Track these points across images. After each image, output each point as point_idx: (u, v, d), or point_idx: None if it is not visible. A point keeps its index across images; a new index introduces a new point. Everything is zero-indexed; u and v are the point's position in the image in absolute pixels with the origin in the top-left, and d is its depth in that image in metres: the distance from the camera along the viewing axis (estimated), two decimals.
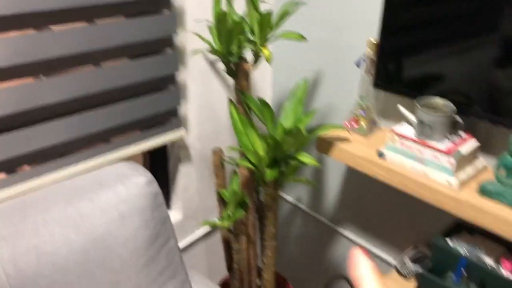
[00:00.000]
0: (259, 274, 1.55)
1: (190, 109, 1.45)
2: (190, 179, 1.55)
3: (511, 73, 1.02)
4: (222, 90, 1.51)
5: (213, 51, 1.14)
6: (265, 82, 1.65)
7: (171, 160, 1.53)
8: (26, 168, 1.16)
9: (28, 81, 1.09)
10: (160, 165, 1.53)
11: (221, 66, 1.46)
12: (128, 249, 1.06)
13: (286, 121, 1.24)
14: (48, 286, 0.97)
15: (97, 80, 1.17)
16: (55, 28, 1.09)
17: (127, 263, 1.06)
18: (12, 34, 1.04)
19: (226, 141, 1.61)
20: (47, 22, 1.07)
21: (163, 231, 1.14)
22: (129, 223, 1.07)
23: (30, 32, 1.06)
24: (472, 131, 1.14)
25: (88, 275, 1.02)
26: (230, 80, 1.52)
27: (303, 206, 1.75)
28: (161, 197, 1.15)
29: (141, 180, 1.12)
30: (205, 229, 1.68)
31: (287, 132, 1.11)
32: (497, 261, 1.09)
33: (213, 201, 1.67)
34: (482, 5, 1.02)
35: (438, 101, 1.10)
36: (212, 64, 1.44)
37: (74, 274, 1.00)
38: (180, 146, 1.49)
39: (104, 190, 1.08)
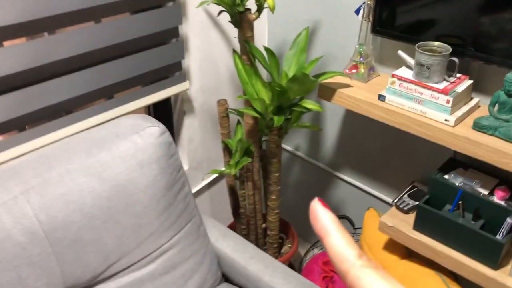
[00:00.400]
0: (264, 218, 1.64)
1: (192, 62, 1.48)
2: (194, 131, 1.61)
3: (494, 18, 1.08)
4: (222, 43, 1.55)
5: (220, 2, 1.17)
6: (261, 32, 1.68)
7: (175, 113, 1.58)
8: (34, 126, 1.20)
9: (32, 39, 1.11)
10: (164, 118, 1.57)
11: (220, 18, 1.48)
12: (148, 195, 1.12)
13: (290, 69, 1.29)
14: (78, 231, 1.03)
15: (100, 35, 1.19)
16: None
17: (148, 208, 1.13)
18: None
19: (227, 93, 1.66)
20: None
21: (178, 178, 1.20)
22: (147, 171, 1.12)
23: None
24: (466, 71, 1.21)
25: (113, 220, 1.08)
26: (230, 33, 1.55)
27: (301, 154, 1.83)
28: (174, 146, 1.21)
29: (155, 130, 1.17)
30: (209, 178, 1.76)
31: (293, 79, 1.16)
32: (491, 192, 1.19)
33: (216, 152, 1.73)
34: None
35: (435, 44, 1.16)
36: (211, 16, 1.47)
37: (100, 220, 1.06)
38: (184, 99, 1.53)
39: (122, 141, 1.12)
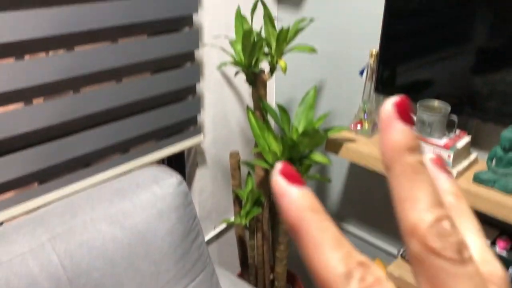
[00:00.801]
0: (272, 268, 1.67)
1: (206, 116, 1.57)
2: (205, 182, 1.67)
3: (486, 79, 1.18)
4: (234, 98, 1.65)
5: (236, 63, 1.27)
6: (270, 88, 1.79)
7: (188, 164, 1.65)
8: (55, 178, 1.26)
9: (56, 97, 1.20)
10: (177, 168, 1.64)
11: (232, 76, 1.59)
12: (166, 243, 1.17)
13: (299, 124, 1.38)
14: (100, 278, 1.07)
15: (121, 93, 1.28)
16: (81, 48, 1.21)
17: (166, 255, 1.17)
18: (41, 55, 1.15)
19: (238, 145, 1.74)
20: (74, 44, 1.18)
21: (193, 227, 1.26)
22: (166, 219, 1.18)
23: (60, 52, 1.17)
24: (465, 128, 1.30)
25: (133, 267, 1.13)
26: (241, 89, 1.65)
27: None
28: (190, 196, 1.27)
29: (173, 181, 1.23)
30: (218, 228, 1.80)
31: (304, 134, 1.24)
32: (493, 243, 1.24)
33: (226, 202, 1.79)
34: (459, 20, 1.19)
35: (435, 102, 1.26)
36: (225, 75, 1.57)
37: (121, 267, 1.11)
38: (197, 151, 1.61)
39: (142, 191, 1.19)
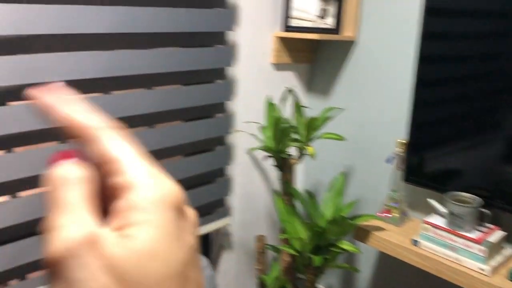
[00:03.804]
0: None
1: (234, 198, 1.59)
2: (229, 264, 1.66)
3: None
4: (262, 182, 1.67)
5: (266, 148, 1.31)
6: (297, 173, 1.81)
7: (214, 245, 1.65)
8: None
9: None
10: (202, 249, 1.64)
11: (260, 159, 1.63)
12: None
13: (327, 211, 1.38)
14: None
15: None
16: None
17: None
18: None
19: (264, 228, 1.74)
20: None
21: None
22: None
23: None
24: (497, 222, 1.27)
25: None
26: (269, 173, 1.68)
27: None
28: (214, 279, 1.26)
29: None
30: None
31: (332, 221, 1.24)
32: None
33: (250, 286, 1.75)
34: (489, 108, 1.21)
35: (466, 195, 1.25)
36: (254, 158, 1.62)
37: None
38: (223, 232, 1.61)
39: None
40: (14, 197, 1.10)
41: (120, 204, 0.20)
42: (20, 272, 1.15)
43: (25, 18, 0.99)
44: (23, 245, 1.11)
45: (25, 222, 1.11)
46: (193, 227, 0.22)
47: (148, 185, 0.20)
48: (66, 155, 0.21)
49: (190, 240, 0.21)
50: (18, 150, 1.08)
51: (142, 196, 0.20)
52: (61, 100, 0.21)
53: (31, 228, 1.13)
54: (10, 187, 1.08)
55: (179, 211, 0.21)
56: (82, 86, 1.14)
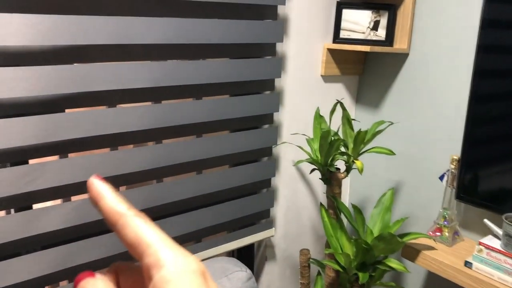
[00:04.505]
0: None
1: (278, 210, 1.58)
2: (273, 277, 1.64)
3: None
4: (307, 195, 1.65)
5: (312, 160, 1.30)
6: (344, 187, 1.78)
7: (257, 257, 1.64)
8: None
9: (141, 185, 1.28)
10: (246, 261, 1.63)
11: (307, 172, 1.61)
12: None
13: (374, 227, 1.34)
14: None
15: (200, 185, 1.33)
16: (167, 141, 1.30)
17: None
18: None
19: (308, 242, 1.71)
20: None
21: None
22: None
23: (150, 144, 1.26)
24: None
25: None
26: (314, 186, 1.66)
27: None
28: None
29: (243, 275, 1.22)
30: None
31: (379, 238, 1.20)
32: None
33: None
34: None
35: None
36: (300, 171, 1.60)
37: None
38: (267, 244, 1.60)
39: None
40: (67, 201, 1.14)
41: (155, 279, 0.24)
42: (70, 274, 1.19)
43: (83, 28, 1.03)
44: (74, 248, 1.15)
45: (76, 226, 1.15)
46: None
47: (175, 261, 0.24)
48: (88, 275, 0.26)
49: None
50: (72, 155, 1.12)
51: (171, 270, 0.24)
52: (104, 192, 0.27)
53: (82, 232, 1.17)
54: (64, 191, 1.12)
55: (204, 277, 0.25)
56: (134, 95, 1.17)
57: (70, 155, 1.13)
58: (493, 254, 1.18)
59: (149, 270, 0.24)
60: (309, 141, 1.36)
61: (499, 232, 1.21)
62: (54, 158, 1.11)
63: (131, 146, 1.24)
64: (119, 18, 1.08)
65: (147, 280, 0.24)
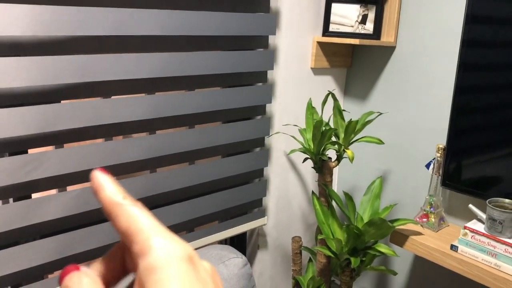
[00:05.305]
0: None
1: (270, 199, 1.62)
2: (265, 265, 1.68)
3: None
4: (298, 184, 1.69)
5: (305, 150, 1.34)
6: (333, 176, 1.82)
7: (249, 245, 1.67)
8: None
9: (135, 175, 1.30)
10: (238, 250, 1.67)
11: (298, 162, 1.65)
12: None
13: (364, 213, 1.39)
14: None
15: (193, 175, 1.36)
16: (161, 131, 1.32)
17: None
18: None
19: (299, 230, 1.76)
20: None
21: None
22: None
23: (143, 135, 1.29)
24: None
25: None
26: (305, 175, 1.70)
27: None
28: (254, 278, 1.29)
29: (239, 262, 1.26)
30: None
31: (370, 223, 1.25)
32: None
33: (285, 286, 1.77)
34: None
35: (506, 200, 1.24)
36: (291, 160, 1.64)
37: None
38: (259, 233, 1.64)
39: None
40: (63, 190, 1.16)
41: (140, 267, 0.23)
42: (67, 263, 1.21)
43: (81, 19, 1.05)
44: (73, 237, 1.16)
45: (73, 215, 1.17)
46: (211, 275, 0.25)
47: (161, 248, 0.24)
48: (74, 268, 0.26)
49: (210, 285, 0.24)
50: (68, 146, 1.14)
51: (155, 257, 0.23)
52: (104, 183, 0.27)
53: (81, 221, 1.19)
54: (60, 181, 1.13)
55: (192, 262, 0.24)
56: (128, 86, 1.19)
57: (65, 145, 1.15)
58: (478, 237, 1.24)
59: (136, 258, 0.24)
60: (301, 131, 1.39)
61: (483, 216, 1.27)
62: (52, 148, 1.13)
63: (122, 137, 1.26)
64: (118, 10, 1.09)
65: (136, 270, 0.24)
